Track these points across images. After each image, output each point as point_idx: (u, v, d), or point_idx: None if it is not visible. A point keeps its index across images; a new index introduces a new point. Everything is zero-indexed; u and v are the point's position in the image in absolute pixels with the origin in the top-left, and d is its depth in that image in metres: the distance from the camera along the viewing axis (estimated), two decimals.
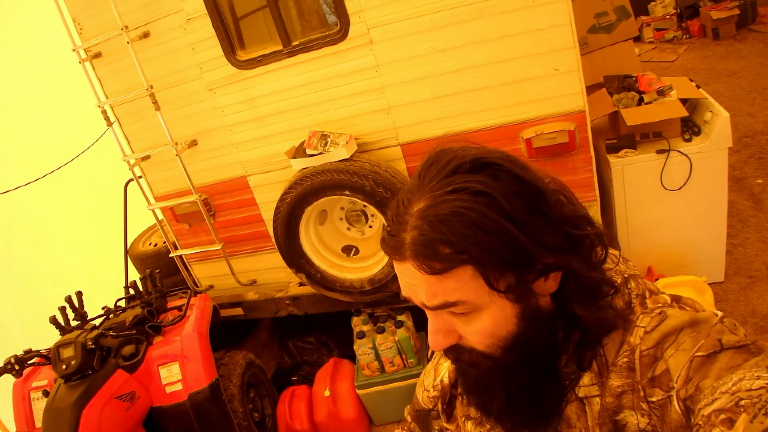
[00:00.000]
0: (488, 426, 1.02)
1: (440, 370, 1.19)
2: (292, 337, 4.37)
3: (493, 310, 0.83)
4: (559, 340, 0.92)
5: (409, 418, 1.33)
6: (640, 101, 3.63)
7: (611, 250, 0.96)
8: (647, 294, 0.92)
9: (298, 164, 3.23)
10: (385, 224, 0.86)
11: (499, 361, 0.88)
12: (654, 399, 0.81)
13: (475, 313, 0.84)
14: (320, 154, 3.17)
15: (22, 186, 5.07)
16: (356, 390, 3.57)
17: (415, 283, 0.83)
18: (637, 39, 7.90)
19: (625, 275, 0.94)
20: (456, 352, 0.91)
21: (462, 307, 0.82)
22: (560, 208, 0.83)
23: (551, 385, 0.91)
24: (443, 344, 0.89)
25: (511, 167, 0.80)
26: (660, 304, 0.88)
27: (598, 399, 0.88)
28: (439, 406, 1.17)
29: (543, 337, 0.88)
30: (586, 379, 0.89)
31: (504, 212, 0.76)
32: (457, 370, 0.99)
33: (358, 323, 3.64)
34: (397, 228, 0.82)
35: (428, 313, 0.87)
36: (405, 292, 0.86)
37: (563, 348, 0.92)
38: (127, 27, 3.22)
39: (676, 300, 0.89)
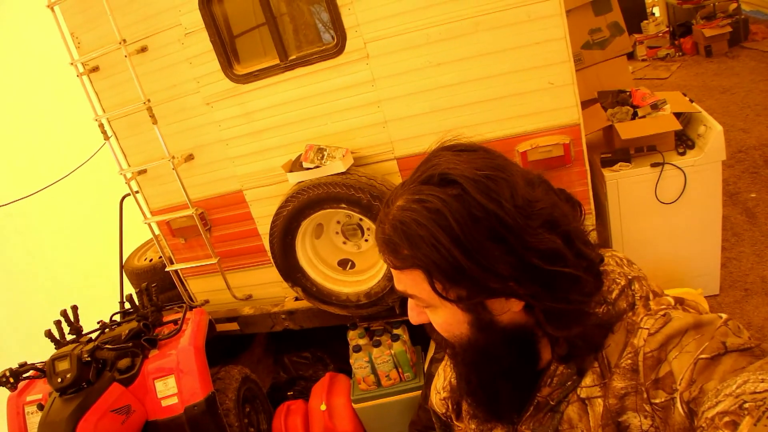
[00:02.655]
0: (489, 426, 1.03)
1: (448, 371, 1.21)
2: (287, 352, 4.35)
3: (444, 312, 0.90)
4: (539, 352, 0.95)
5: None
6: (634, 115, 3.66)
7: (615, 252, 0.97)
8: (651, 296, 0.92)
9: (295, 177, 3.24)
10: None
11: (459, 354, 0.95)
12: (657, 401, 0.80)
13: (432, 309, 0.91)
14: (317, 167, 3.18)
15: (18, 200, 5.06)
16: (352, 404, 3.54)
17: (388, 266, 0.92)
18: (631, 57, 7.98)
19: (629, 277, 0.94)
20: (431, 328, 0.98)
21: (418, 301, 0.91)
22: (533, 237, 0.81)
23: (510, 390, 0.96)
24: (416, 321, 0.97)
25: (475, 190, 0.80)
26: (664, 306, 0.89)
27: (600, 400, 0.88)
28: (450, 405, 1.19)
29: (501, 349, 0.91)
30: (588, 380, 0.90)
31: (452, 234, 0.79)
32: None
33: (354, 337, 3.63)
34: (383, 218, 0.88)
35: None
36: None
37: (554, 357, 0.94)
38: (125, 41, 3.24)
39: (680, 302, 0.90)
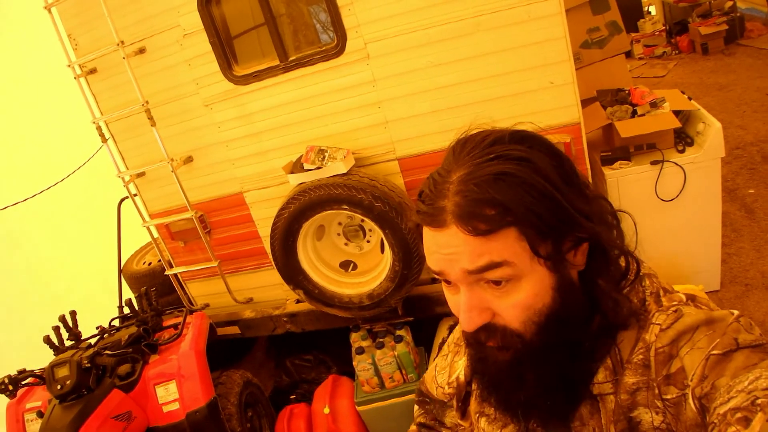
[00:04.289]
0: (501, 423, 1.01)
1: (456, 368, 1.19)
2: (289, 355, 4.33)
3: (533, 279, 0.83)
4: (584, 323, 0.92)
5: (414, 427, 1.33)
6: (634, 114, 3.66)
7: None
8: (662, 292, 0.91)
9: (296, 179, 3.22)
10: (420, 197, 0.86)
11: (531, 342, 0.86)
12: (669, 397, 0.80)
13: (515, 283, 0.83)
14: (318, 168, 3.17)
15: (15, 204, 5.03)
16: (356, 407, 3.52)
17: (456, 249, 0.81)
18: (628, 55, 7.98)
19: (640, 273, 0.94)
20: (487, 333, 0.89)
21: (505, 270, 0.81)
22: (587, 185, 0.88)
23: (578, 367, 0.90)
24: (478, 321, 0.86)
25: (546, 141, 0.84)
26: (676, 303, 0.88)
27: (612, 396, 0.87)
28: (454, 403, 1.16)
29: (574, 313, 0.88)
30: (601, 375, 0.89)
31: (546, 177, 0.78)
32: (479, 361, 0.96)
33: (357, 339, 3.61)
34: (436, 197, 0.82)
35: (463, 289, 0.86)
36: (439, 265, 0.85)
37: (587, 333, 0.91)
38: (122, 42, 3.22)
39: (692, 299, 0.89)
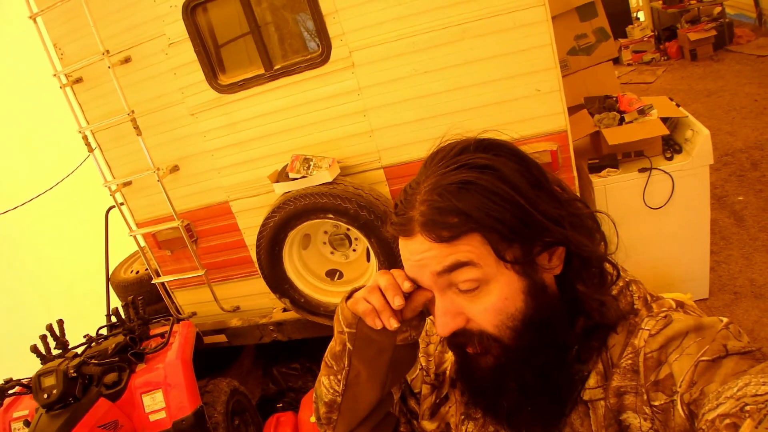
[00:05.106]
0: (492, 429, 0.99)
1: (445, 359, 1.13)
2: (276, 364, 4.31)
3: (501, 283, 0.83)
4: (566, 327, 0.91)
5: None
6: (621, 121, 3.66)
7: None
8: (649, 297, 0.91)
9: (281, 188, 3.21)
10: (394, 209, 0.89)
11: (508, 346, 0.87)
12: (657, 403, 0.80)
13: (484, 287, 0.84)
14: (303, 177, 3.16)
15: (1, 213, 5.01)
16: None
17: (424, 255, 0.84)
18: (616, 61, 8.02)
19: (626, 279, 0.94)
20: (464, 338, 0.89)
21: (472, 271, 0.82)
22: (561, 188, 0.88)
23: (564, 372, 0.90)
24: (452, 326, 0.87)
25: (513, 148, 0.86)
26: (665, 308, 0.88)
27: (602, 402, 0.87)
28: (433, 398, 1.12)
29: (551, 317, 0.88)
30: (592, 381, 0.88)
31: (509, 183, 0.80)
32: (462, 368, 0.97)
33: None
34: (406, 208, 0.85)
35: (436, 295, 0.88)
36: (412, 272, 0.88)
37: (571, 336, 0.91)
38: (108, 52, 3.21)
39: (681, 305, 0.89)
